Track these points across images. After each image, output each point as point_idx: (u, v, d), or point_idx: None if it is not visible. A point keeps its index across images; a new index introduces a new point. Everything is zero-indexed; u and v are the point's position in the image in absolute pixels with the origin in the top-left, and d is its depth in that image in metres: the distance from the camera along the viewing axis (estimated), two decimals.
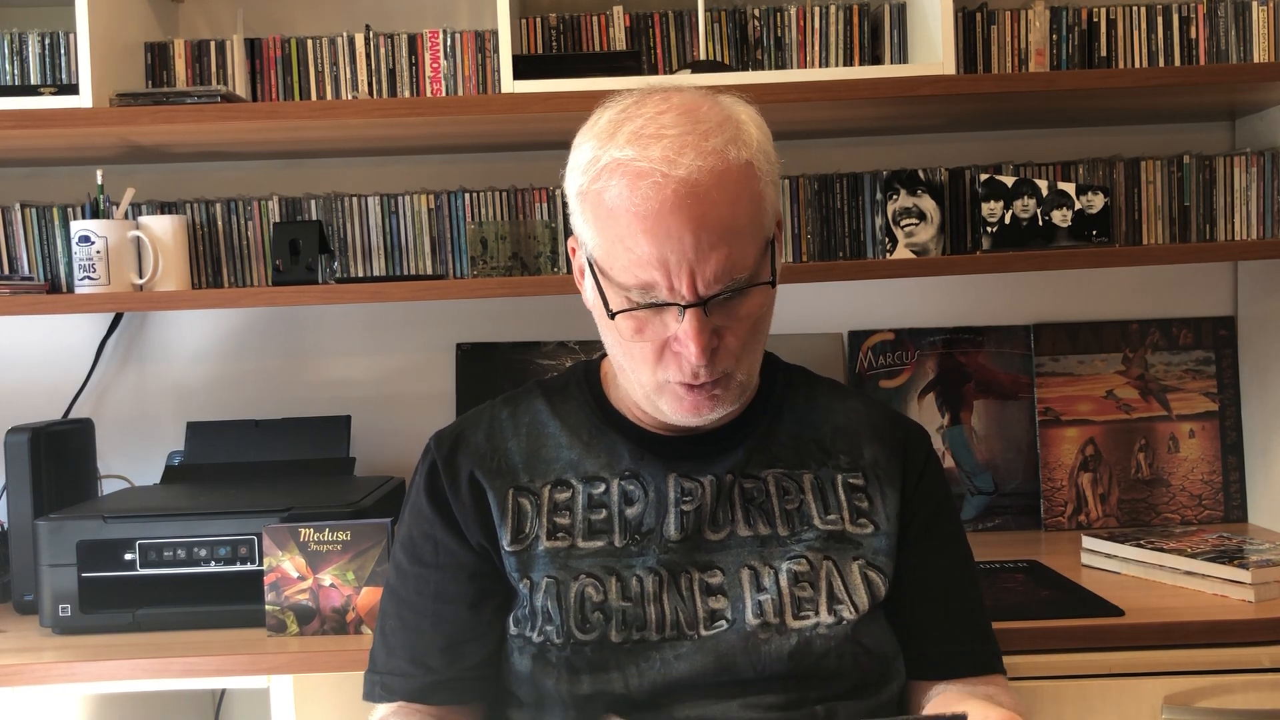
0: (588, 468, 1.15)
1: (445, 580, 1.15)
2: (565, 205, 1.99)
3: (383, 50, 1.97)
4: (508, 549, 1.12)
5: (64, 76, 1.95)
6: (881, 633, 1.13)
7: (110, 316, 2.06)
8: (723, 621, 1.09)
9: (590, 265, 1.07)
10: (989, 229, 1.90)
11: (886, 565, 1.13)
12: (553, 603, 1.10)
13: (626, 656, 1.09)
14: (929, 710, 1.12)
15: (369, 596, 1.57)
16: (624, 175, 1.01)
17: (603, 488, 1.14)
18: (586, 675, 1.08)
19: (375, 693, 1.16)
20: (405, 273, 1.97)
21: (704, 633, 1.09)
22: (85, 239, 1.80)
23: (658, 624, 1.09)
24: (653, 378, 1.07)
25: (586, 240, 1.07)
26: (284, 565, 1.60)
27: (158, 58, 1.98)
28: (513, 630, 1.12)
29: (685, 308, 1.01)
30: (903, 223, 1.92)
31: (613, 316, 1.05)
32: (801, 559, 1.11)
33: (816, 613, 1.09)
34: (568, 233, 1.95)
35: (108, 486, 2.00)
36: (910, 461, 1.19)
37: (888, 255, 1.93)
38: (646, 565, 1.11)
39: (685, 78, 1.76)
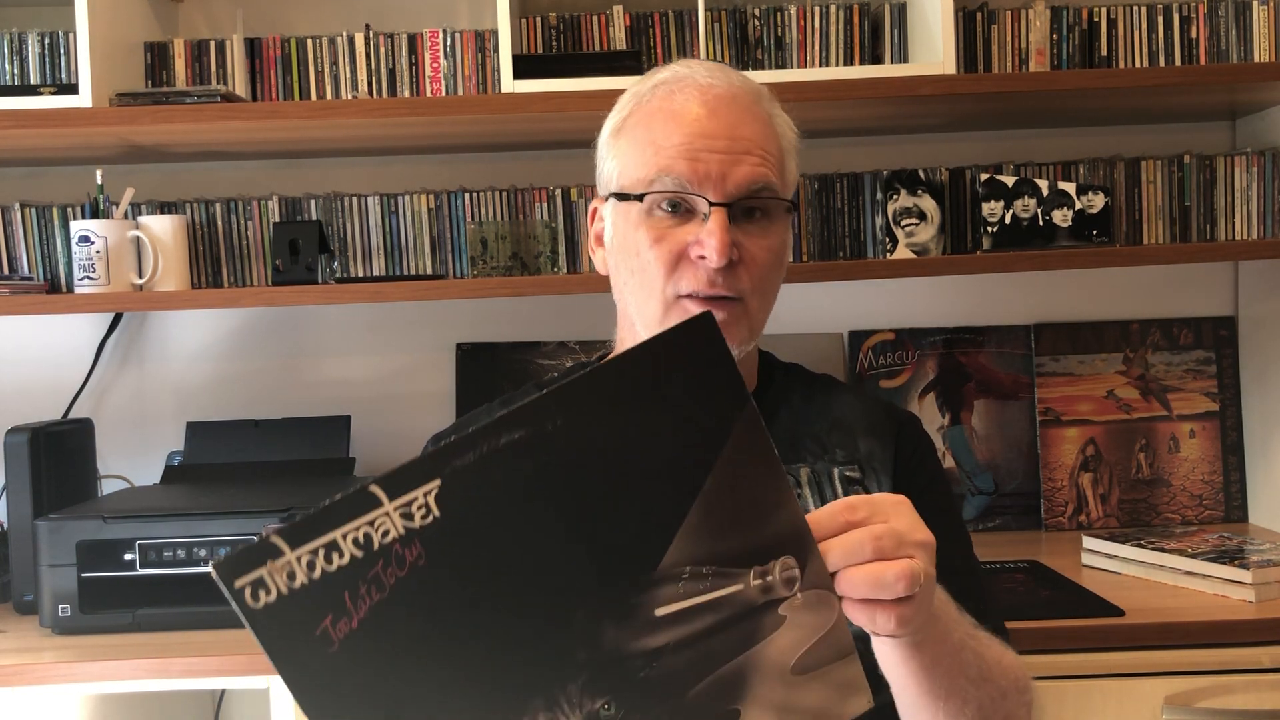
0: None
1: None
2: (566, 202, 1.99)
3: (382, 50, 1.97)
4: None
5: (64, 76, 1.95)
6: None
7: (110, 316, 2.06)
8: None
9: (612, 202, 1.09)
10: (989, 229, 1.90)
11: None
12: None
13: None
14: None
15: None
16: (669, 85, 1.06)
17: None
18: None
19: None
20: (405, 273, 1.97)
21: None
22: (85, 239, 1.80)
23: None
24: (662, 296, 1.05)
25: (613, 174, 1.10)
26: None
27: (157, 57, 1.98)
28: None
29: (713, 205, 1.02)
30: (903, 222, 1.92)
31: (641, 199, 1.05)
32: None
33: None
34: (569, 230, 1.97)
35: (107, 486, 2.00)
36: (901, 449, 1.18)
37: (888, 255, 1.93)
38: None
39: None
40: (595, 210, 1.15)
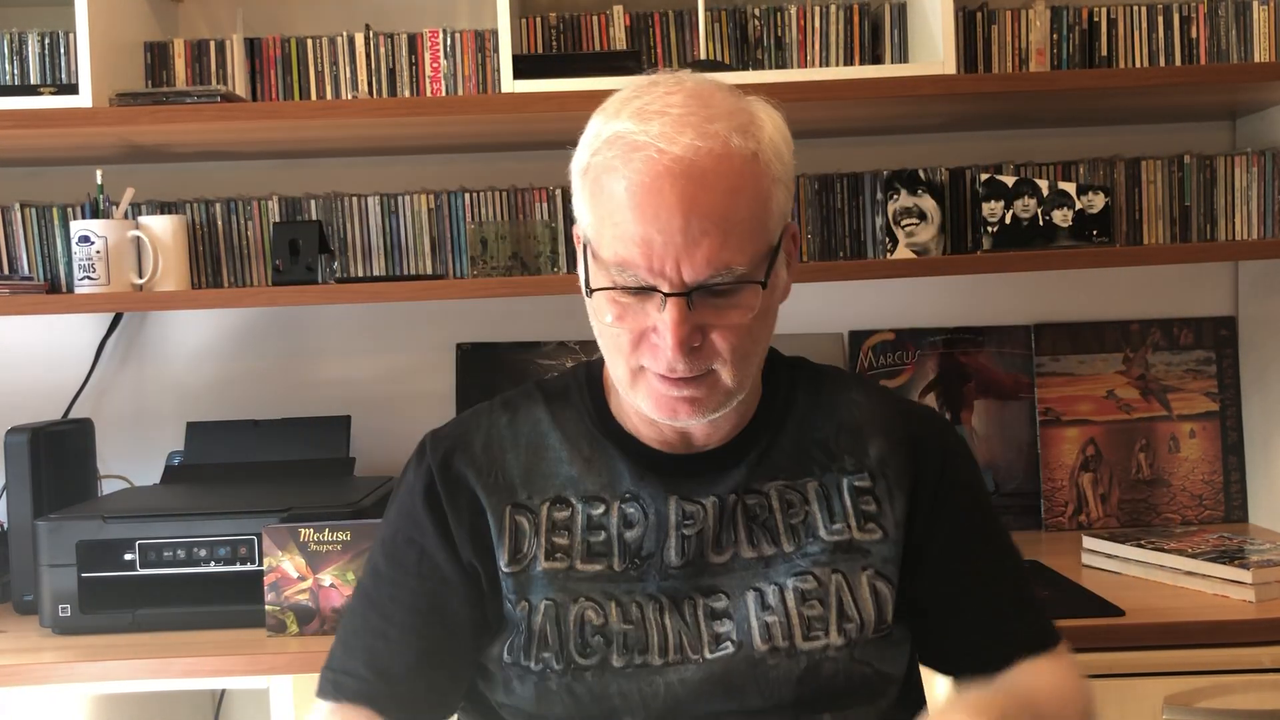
0: (587, 486, 1.10)
1: (423, 592, 1.09)
2: (566, 202, 1.99)
3: (382, 50, 1.97)
4: (505, 570, 1.08)
5: (64, 76, 1.95)
6: (891, 650, 1.09)
7: (110, 316, 2.05)
8: (728, 644, 1.05)
9: (585, 248, 1.03)
10: (989, 229, 1.90)
11: (894, 574, 1.07)
12: (551, 626, 1.06)
13: (629, 681, 1.05)
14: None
15: None
16: (620, 148, 0.97)
17: (602, 509, 1.09)
18: (589, 701, 1.05)
19: (327, 689, 1.09)
20: (405, 273, 1.97)
21: (709, 655, 1.05)
22: (85, 239, 1.80)
23: (660, 647, 1.05)
24: (627, 365, 1.01)
25: (582, 220, 1.03)
26: (284, 565, 1.60)
27: (157, 57, 1.98)
28: (507, 659, 1.08)
29: (667, 296, 0.96)
30: (903, 222, 1.92)
31: (589, 294, 1.01)
32: (808, 575, 1.07)
33: (826, 633, 1.05)
34: (569, 230, 1.96)
35: (107, 486, 2.00)
36: (924, 465, 1.11)
37: (888, 255, 1.93)
38: (646, 591, 1.07)
39: None
40: (577, 238, 1.07)
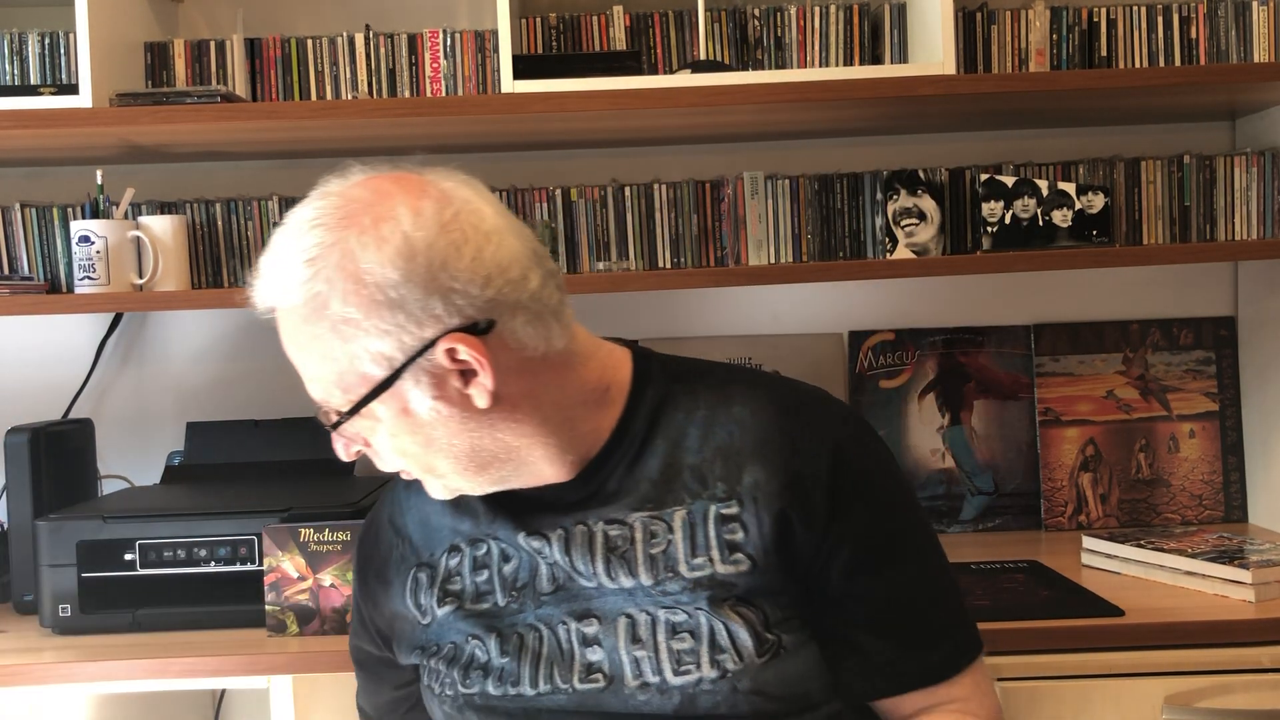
0: (463, 529, 1.13)
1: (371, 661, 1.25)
2: (566, 203, 1.99)
3: (383, 50, 1.97)
4: (422, 623, 1.13)
5: (64, 76, 1.95)
6: (784, 673, 1.02)
7: (110, 316, 2.06)
8: (599, 675, 1.03)
9: None
10: (989, 229, 1.90)
11: (765, 601, 1.02)
12: (445, 665, 1.10)
13: (509, 713, 1.06)
14: None
15: None
16: None
17: (484, 549, 1.11)
18: None
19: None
20: None
21: (579, 685, 1.04)
22: (85, 239, 1.80)
23: (530, 678, 1.05)
24: None
25: None
26: (284, 565, 1.60)
27: (157, 58, 1.98)
28: (424, 680, 1.14)
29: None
30: (903, 223, 1.92)
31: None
32: (677, 609, 1.03)
33: (699, 666, 1.01)
34: (569, 230, 1.97)
35: (108, 486, 2.00)
36: (799, 480, 1.03)
37: (888, 255, 1.93)
38: (526, 622, 1.07)
39: (685, 78, 1.75)
40: None
